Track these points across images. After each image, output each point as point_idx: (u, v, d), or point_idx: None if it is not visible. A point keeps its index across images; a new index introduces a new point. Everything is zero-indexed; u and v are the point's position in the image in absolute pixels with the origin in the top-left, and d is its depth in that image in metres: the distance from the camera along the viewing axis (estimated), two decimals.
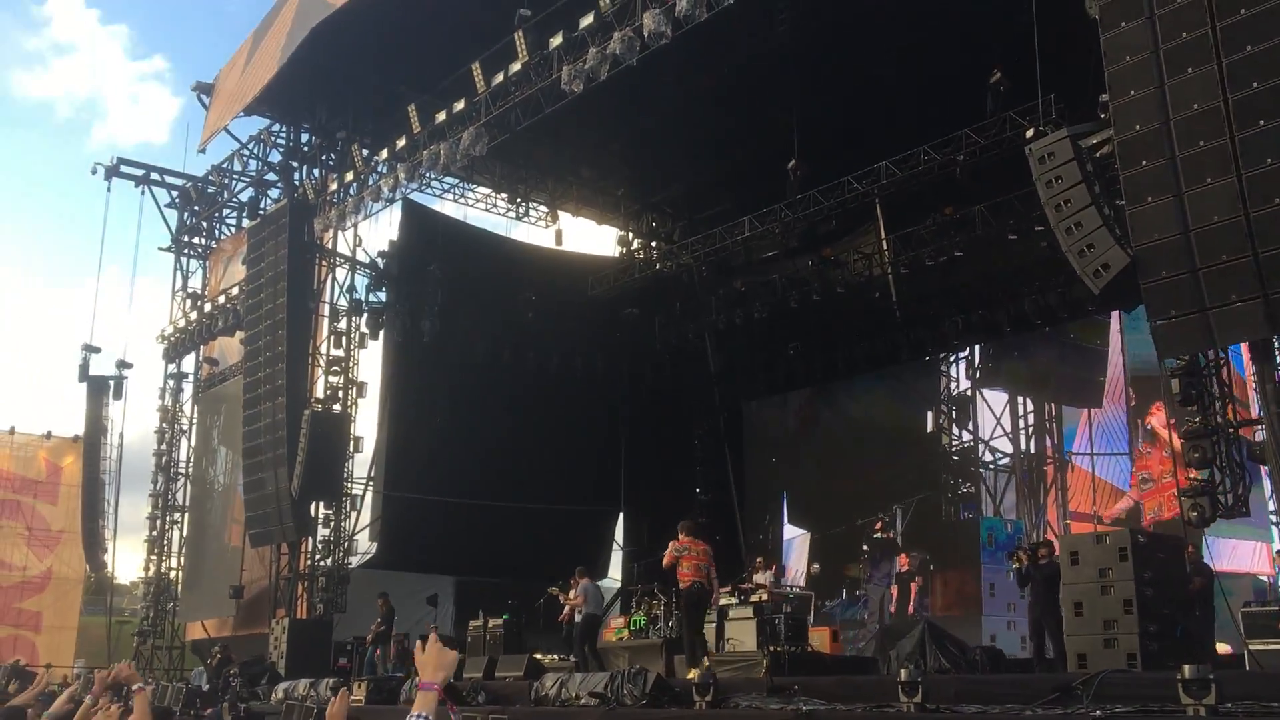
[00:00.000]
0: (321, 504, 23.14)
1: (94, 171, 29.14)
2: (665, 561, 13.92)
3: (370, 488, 24.82)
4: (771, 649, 13.44)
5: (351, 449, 23.58)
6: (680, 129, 22.89)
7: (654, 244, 28.00)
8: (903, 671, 9.97)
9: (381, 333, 25.01)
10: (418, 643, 3.68)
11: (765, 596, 15.88)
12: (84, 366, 29.60)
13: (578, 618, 16.66)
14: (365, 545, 24.84)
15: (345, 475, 23.45)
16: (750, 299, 24.69)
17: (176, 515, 28.98)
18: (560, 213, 26.78)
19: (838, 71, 20.31)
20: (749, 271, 24.78)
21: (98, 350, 29.91)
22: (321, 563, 23.21)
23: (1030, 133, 15.68)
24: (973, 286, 22.14)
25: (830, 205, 20.72)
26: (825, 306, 23.28)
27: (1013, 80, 17.25)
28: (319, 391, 23.54)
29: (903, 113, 20.30)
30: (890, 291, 22.18)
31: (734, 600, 15.42)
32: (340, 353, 24.03)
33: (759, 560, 19.39)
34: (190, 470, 29.14)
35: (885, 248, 22.18)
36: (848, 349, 24.68)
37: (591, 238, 29.30)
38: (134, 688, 6.05)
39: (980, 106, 18.13)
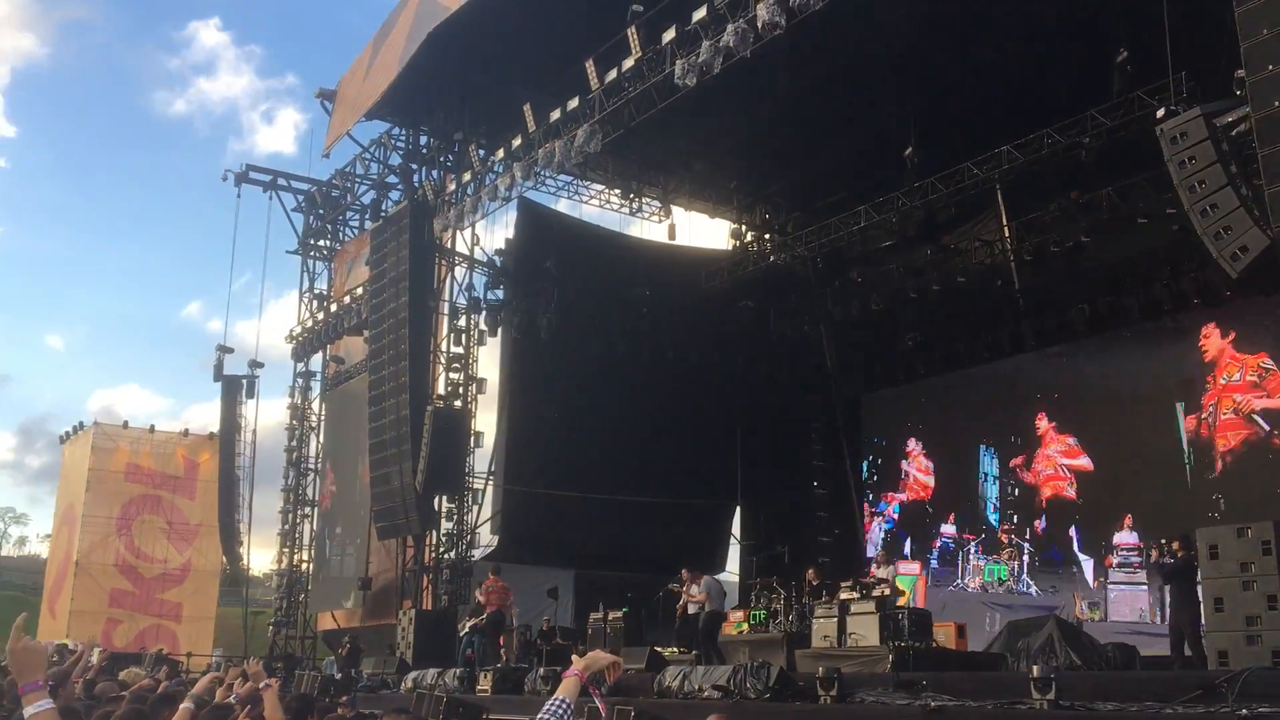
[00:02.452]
0: (444, 498, 23.67)
1: (224, 178, 30.49)
2: (480, 599, 19.05)
3: (491, 482, 25.28)
4: (896, 644, 13.26)
5: (472, 444, 24.12)
6: (793, 119, 22.68)
7: (767, 236, 27.82)
8: (1034, 667, 9.75)
9: (500, 329, 25.46)
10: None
11: (887, 591, 15.66)
12: (218, 366, 30.88)
13: (691, 610, 16.77)
14: (487, 538, 25.36)
15: (467, 470, 23.98)
16: (867, 290, 24.37)
17: (307, 509, 29.99)
18: (673, 207, 26.82)
19: (956, 55, 19.84)
20: (865, 262, 24.45)
21: (231, 351, 31.25)
22: (445, 555, 23.76)
23: (1161, 112, 15.14)
24: (1100, 273, 21.43)
25: (949, 192, 20.35)
26: (945, 296, 22.84)
27: (1140, 58, 16.67)
28: (440, 388, 24.09)
29: (1024, 95, 19.78)
30: (1013, 279, 21.63)
31: (855, 595, 15.25)
32: (460, 350, 24.58)
33: (880, 554, 19.14)
34: (319, 465, 30.10)
35: (1007, 234, 21.64)
36: (968, 339, 24.13)
37: (705, 231, 29.27)
38: (261, 685, 6.29)
39: (1105, 87, 17.59)
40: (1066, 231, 20.29)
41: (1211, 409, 20.10)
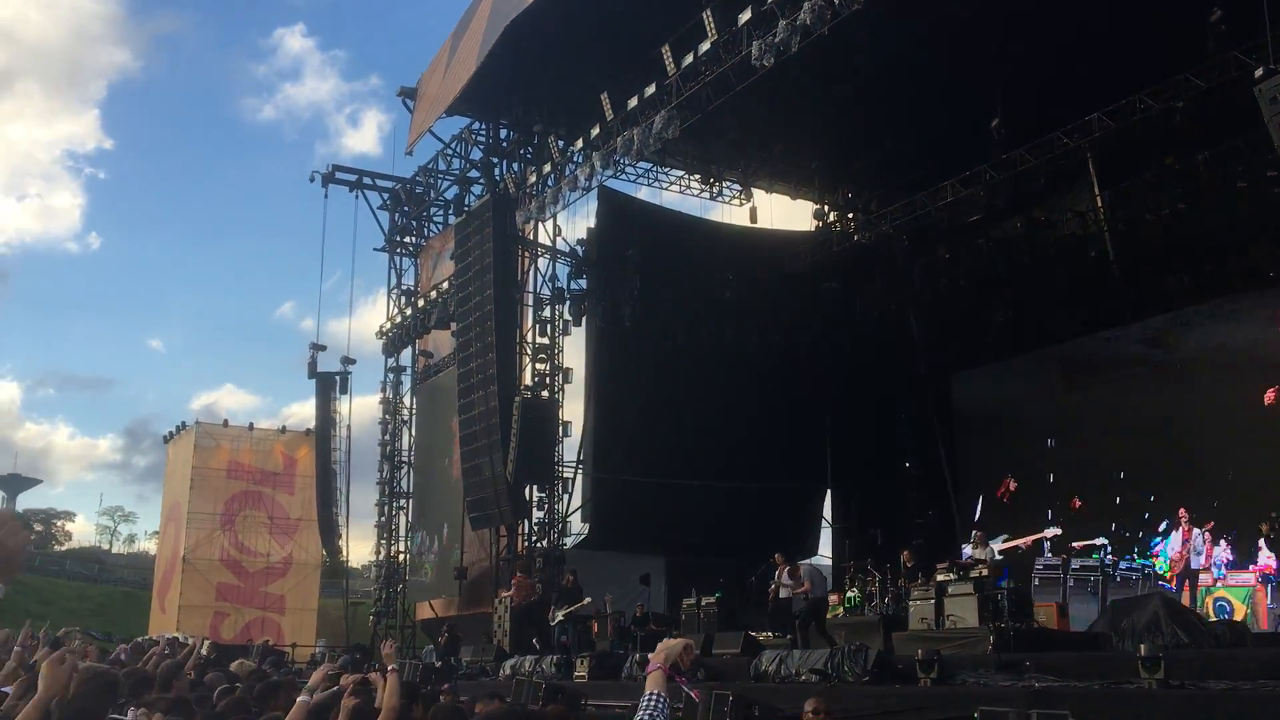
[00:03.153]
0: (535, 487, 23.89)
1: (311, 179, 31.12)
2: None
3: (580, 471, 25.43)
4: (996, 625, 13.04)
5: (561, 433, 24.27)
6: (875, 95, 22.30)
7: (851, 215, 27.50)
8: (1142, 646, 9.51)
9: (584, 319, 25.57)
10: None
11: (985, 571, 15.40)
12: (312, 364, 31.52)
13: (783, 595, 16.70)
14: (578, 527, 25.55)
15: (556, 459, 24.15)
16: (955, 266, 23.94)
17: (402, 501, 30.50)
18: (754, 190, 26.66)
19: (1042, 21, 19.35)
20: (953, 238, 23.99)
21: (324, 348, 31.89)
22: (538, 544, 23.99)
23: (1259, 72, 14.59)
24: (1199, 241, 20.75)
25: (1039, 163, 19.88)
26: (1036, 270, 22.32)
27: (1235, 16, 16.06)
28: (528, 379, 24.29)
29: (1113, 60, 19.18)
30: (1107, 251, 21.04)
31: (952, 576, 15.02)
32: (546, 340, 24.76)
33: (977, 534, 18.81)
34: (412, 458, 30.59)
35: (1100, 204, 21.07)
36: (1062, 312, 23.50)
37: (786, 213, 29.02)
38: (390, 668, 6.43)
39: (1199, 47, 16.99)
40: (1162, 199, 19.69)
41: None
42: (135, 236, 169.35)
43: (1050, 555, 21.67)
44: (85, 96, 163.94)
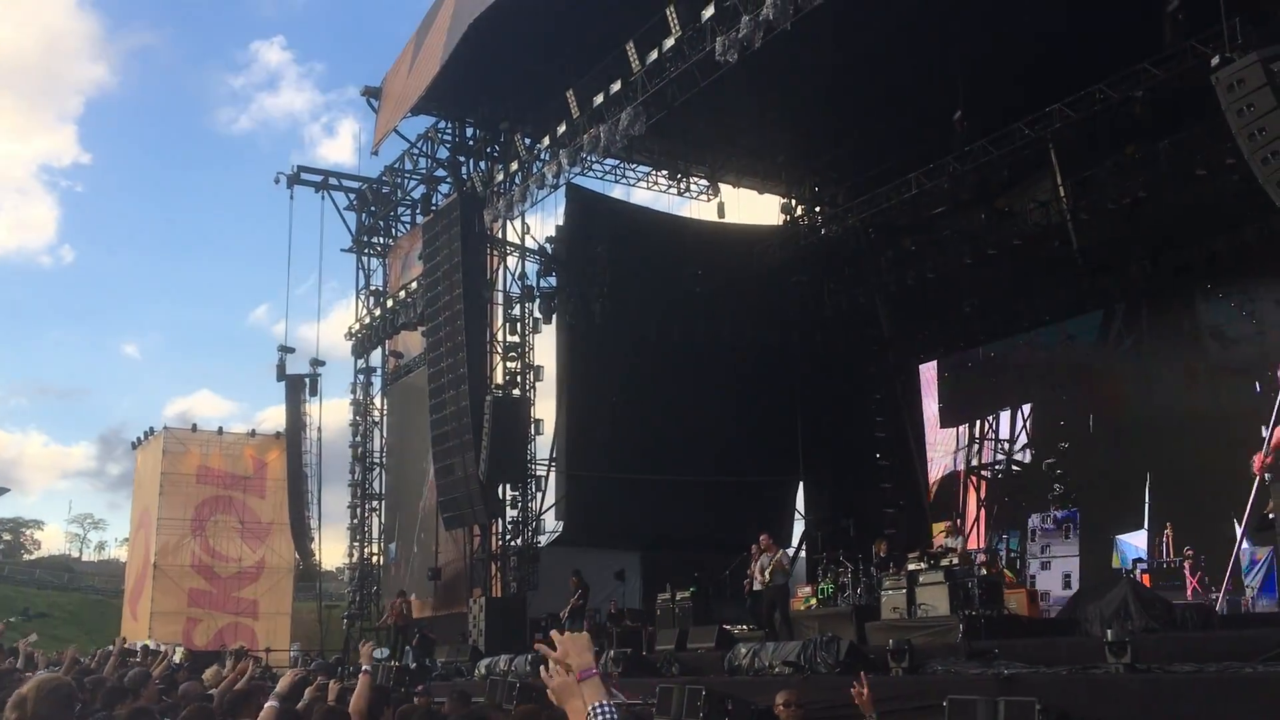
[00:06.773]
0: (508, 486, 23.87)
1: (276, 181, 30.82)
2: None
3: (553, 468, 25.43)
4: (966, 613, 13.17)
5: (533, 431, 24.27)
6: (839, 89, 22.41)
7: (818, 209, 27.62)
8: (1109, 631, 9.64)
9: (554, 316, 25.56)
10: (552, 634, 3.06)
11: (955, 560, 15.55)
12: (280, 367, 31.33)
13: (757, 586, 16.80)
14: (552, 524, 25.55)
15: (529, 457, 24.14)
16: (921, 258, 24.09)
17: (374, 503, 30.40)
18: (721, 185, 26.70)
19: (1001, 14, 19.51)
20: (918, 230, 24.18)
21: (292, 351, 31.72)
22: (512, 543, 23.98)
23: (1216, 60, 14.74)
24: (1161, 228, 21.00)
25: (1001, 154, 20.03)
26: (1001, 260, 22.51)
27: (1192, 6, 16.23)
28: (499, 377, 24.26)
29: (1073, 51, 19.38)
30: (1071, 239, 21.26)
31: (923, 565, 15.17)
32: (516, 339, 24.72)
33: (948, 524, 18.99)
34: (384, 459, 30.49)
35: (1063, 194, 21.28)
36: (1027, 301, 23.70)
37: (754, 207, 29.02)
38: (363, 668, 6.44)
39: (1157, 38, 17.17)
40: (1124, 188, 19.90)
41: None
42: (111, 246, 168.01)
43: None
44: (63, 112, 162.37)
